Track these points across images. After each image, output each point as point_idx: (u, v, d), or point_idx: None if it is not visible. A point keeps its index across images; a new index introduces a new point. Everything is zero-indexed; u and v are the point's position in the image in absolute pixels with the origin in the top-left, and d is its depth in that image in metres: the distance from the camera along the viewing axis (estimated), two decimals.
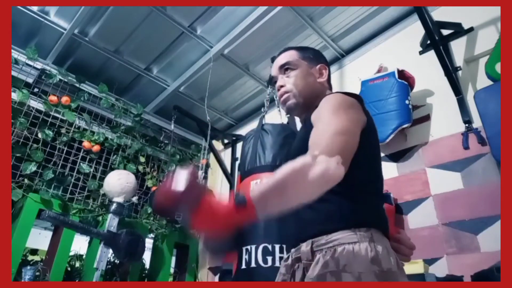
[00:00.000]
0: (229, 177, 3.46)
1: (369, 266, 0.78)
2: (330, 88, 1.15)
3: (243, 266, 1.71)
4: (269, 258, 1.65)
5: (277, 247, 1.67)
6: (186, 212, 0.73)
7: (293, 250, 0.94)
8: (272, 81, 1.17)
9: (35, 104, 2.80)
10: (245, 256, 1.72)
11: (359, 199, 0.89)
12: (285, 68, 1.11)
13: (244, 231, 0.78)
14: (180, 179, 0.73)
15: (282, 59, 1.13)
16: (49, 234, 2.79)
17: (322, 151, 0.74)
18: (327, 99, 0.95)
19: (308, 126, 0.95)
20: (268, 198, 0.73)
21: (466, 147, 1.98)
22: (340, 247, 0.82)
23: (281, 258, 1.63)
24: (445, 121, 2.14)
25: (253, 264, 1.67)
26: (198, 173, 0.71)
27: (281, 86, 1.10)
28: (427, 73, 2.25)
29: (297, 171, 0.72)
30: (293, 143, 1.14)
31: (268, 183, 0.74)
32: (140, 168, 3.26)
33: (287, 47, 1.18)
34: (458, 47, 2.22)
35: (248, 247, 1.73)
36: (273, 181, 0.73)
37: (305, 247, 0.88)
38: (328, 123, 0.86)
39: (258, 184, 0.78)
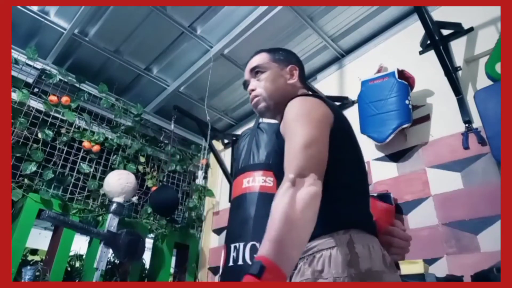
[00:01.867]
0: (229, 177, 3.46)
1: (345, 269, 0.77)
2: (305, 87, 1.13)
3: (231, 263, 1.72)
4: None
5: None
6: None
7: None
8: (245, 85, 1.16)
9: (35, 104, 2.80)
10: (233, 254, 1.73)
11: (335, 201, 0.87)
12: (255, 71, 1.10)
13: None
14: None
15: (253, 62, 1.12)
16: (49, 234, 2.79)
17: (296, 174, 0.76)
18: (288, 108, 0.93)
19: (280, 139, 0.94)
20: (284, 244, 0.65)
21: (466, 147, 1.98)
22: (318, 254, 0.81)
23: None
24: (445, 121, 2.14)
25: (240, 262, 1.68)
26: None
27: (252, 90, 1.09)
28: (427, 73, 2.25)
29: (289, 203, 0.71)
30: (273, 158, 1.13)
31: (271, 231, 0.67)
32: (140, 168, 3.27)
33: (259, 50, 1.17)
34: (458, 47, 2.22)
35: (237, 244, 1.73)
36: (276, 226, 0.67)
37: None
38: (294, 136, 0.84)
39: (262, 244, 0.67)
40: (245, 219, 1.80)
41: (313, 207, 0.74)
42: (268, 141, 1.96)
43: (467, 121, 2.01)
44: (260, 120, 2.19)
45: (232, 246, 1.75)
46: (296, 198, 0.72)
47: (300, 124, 0.86)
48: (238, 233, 1.79)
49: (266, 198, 1.80)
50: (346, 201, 0.89)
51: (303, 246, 0.71)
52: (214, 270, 3.26)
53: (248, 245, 1.70)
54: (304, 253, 0.84)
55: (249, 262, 1.66)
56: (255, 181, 1.88)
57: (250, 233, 1.73)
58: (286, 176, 0.77)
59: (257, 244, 1.69)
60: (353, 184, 0.94)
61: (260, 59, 1.12)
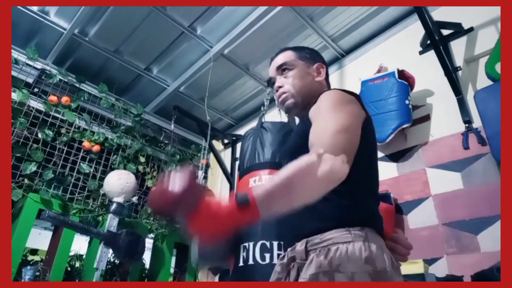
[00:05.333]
0: (229, 177, 3.46)
1: (362, 266, 0.77)
2: (329, 86, 1.15)
3: (241, 264, 1.71)
4: (267, 255, 1.65)
5: (275, 244, 1.67)
6: (184, 214, 0.69)
7: (289, 249, 0.94)
8: (270, 82, 1.17)
9: (35, 104, 2.80)
10: (242, 254, 1.72)
11: (354, 197, 0.88)
12: (282, 68, 1.11)
13: (241, 234, 0.75)
14: (177, 181, 0.69)
15: (279, 60, 1.13)
16: (49, 234, 2.78)
17: (326, 150, 0.75)
18: (326, 94, 0.94)
19: (306, 122, 0.94)
20: (273, 197, 0.72)
21: (466, 147, 1.98)
22: (334, 246, 0.81)
23: (279, 255, 1.63)
24: (445, 121, 2.14)
25: (250, 261, 1.67)
26: (197, 174, 0.75)
27: (279, 87, 1.10)
28: (427, 73, 2.25)
29: (303, 169, 0.73)
30: (290, 138, 1.14)
31: (273, 181, 0.73)
32: (140, 168, 3.26)
33: (284, 47, 1.18)
34: (458, 47, 2.22)
35: (246, 244, 1.72)
36: (279, 180, 0.73)
37: (299, 246, 0.88)
38: (329, 119, 0.85)
39: (262, 183, 0.75)
40: None
41: (324, 186, 0.74)
42: (272, 140, 1.95)
43: (467, 121, 2.01)
44: (263, 119, 2.18)
45: (242, 246, 1.75)
46: (314, 171, 0.72)
47: (337, 111, 0.86)
48: (246, 233, 1.78)
49: None
50: (364, 199, 0.91)
51: (289, 209, 0.74)
52: (214, 270, 3.26)
53: (258, 244, 1.69)
54: (317, 245, 0.84)
55: (260, 261, 1.65)
56: (262, 180, 1.87)
57: (259, 232, 1.72)
58: (315, 149, 0.76)
59: (267, 243, 1.68)
60: (371, 185, 0.97)
61: (286, 56, 1.13)
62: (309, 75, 1.10)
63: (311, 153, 0.76)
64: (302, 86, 1.08)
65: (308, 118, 0.94)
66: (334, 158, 0.74)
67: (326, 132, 0.82)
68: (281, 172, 0.73)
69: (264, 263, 1.64)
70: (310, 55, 1.15)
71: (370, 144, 0.96)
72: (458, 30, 2.22)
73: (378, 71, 2.41)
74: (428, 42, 2.20)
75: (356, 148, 0.83)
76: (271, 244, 1.67)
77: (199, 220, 0.69)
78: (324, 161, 0.73)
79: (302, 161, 0.74)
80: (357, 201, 0.89)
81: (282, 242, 1.66)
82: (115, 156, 3.12)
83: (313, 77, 1.11)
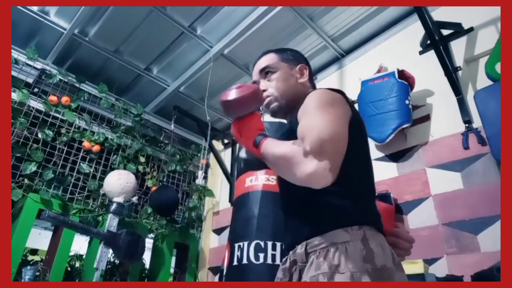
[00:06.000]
0: (229, 177, 3.46)
1: (361, 265, 0.77)
2: (313, 87, 1.14)
3: (235, 263, 1.71)
4: (261, 255, 1.65)
5: (269, 244, 1.67)
6: (235, 115, 0.96)
7: (290, 252, 0.94)
8: None
9: (35, 104, 2.80)
10: (237, 253, 1.72)
11: (350, 197, 0.88)
12: (265, 72, 1.11)
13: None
14: (233, 92, 0.92)
15: (262, 63, 1.13)
16: (49, 234, 2.79)
17: (312, 150, 0.76)
18: (312, 94, 0.93)
19: (294, 124, 0.94)
20: (267, 159, 0.90)
21: (466, 147, 1.98)
22: (332, 247, 0.82)
23: (273, 255, 1.64)
24: (445, 121, 2.14)
25: (244, 261, 1.67)
26: (261, 93, 0.99)
27: (263, 91, 1.09)
28: (427, 73, 2.25)
29: (288, 159, 0.81)
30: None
31: (271, 149, 0.88)
32: (140, 168, 3.26)
33: (266, 50, 1.17)
34: (458, 47, 2.22)
35: (240, 243, 1.73)
36: (272, 152, 0.88)
37: (299, 249, 0.88)
38: (317, 118, 0.84)
39: (272, 141, 0.90)
40: (249, 218, 1.79)
41: (300, 182, 0.80)
42: None
43: (467, 121, 2.01)
44: (262, 119, 2.18)
45: (236, 245, 1.74)
46: (296, 165, 0.78)
47: (323, 111, 0.85)
48: (242, 232, 1.78)
49: (269, 197, 1.79)
50: (361, 198, 0.91)
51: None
52: (214, 270, 3.26)
53: (252, 244, 1.69)
54: (316, 246, 0.84)
55: (254, 261, 1.65)
56: (258, 179, 1.87)
57: (254, 232, 1.72)
58: (304, 144, 0.79)
59: (261, 243, 1.68)
60: (366, 182, 0.96)
61: (269, 59, 1.12)
62: (292, 77, 1.10)
63: (299, 144, 0.80)
64: (285, 89, 1.07)
65: (296, 120, 0.93)
66: (318, 164, 0.75)
67: (314, 131, 0.80)
68: (279, 147, 0.87)
69: (258, 262, 1.64)
70: (293, 57, 1.14)
71: (360, 141, 0.95)
72: (458, 30, 2.22)
73: (378, 71, 2.41)
74: (428, 42, 2.20)
75: (343, 154, 0.82)
76: (266, 244, 1.67)
77: (238, 126, 0.97)
78: (309, 162, 0.76)
79: (292, 150, 0.81)
80: (355, 200, 0.88)
81: (277, 242, 1.67)
82: (115, 156, 3.12)
83: (297, 79, 1.10)
